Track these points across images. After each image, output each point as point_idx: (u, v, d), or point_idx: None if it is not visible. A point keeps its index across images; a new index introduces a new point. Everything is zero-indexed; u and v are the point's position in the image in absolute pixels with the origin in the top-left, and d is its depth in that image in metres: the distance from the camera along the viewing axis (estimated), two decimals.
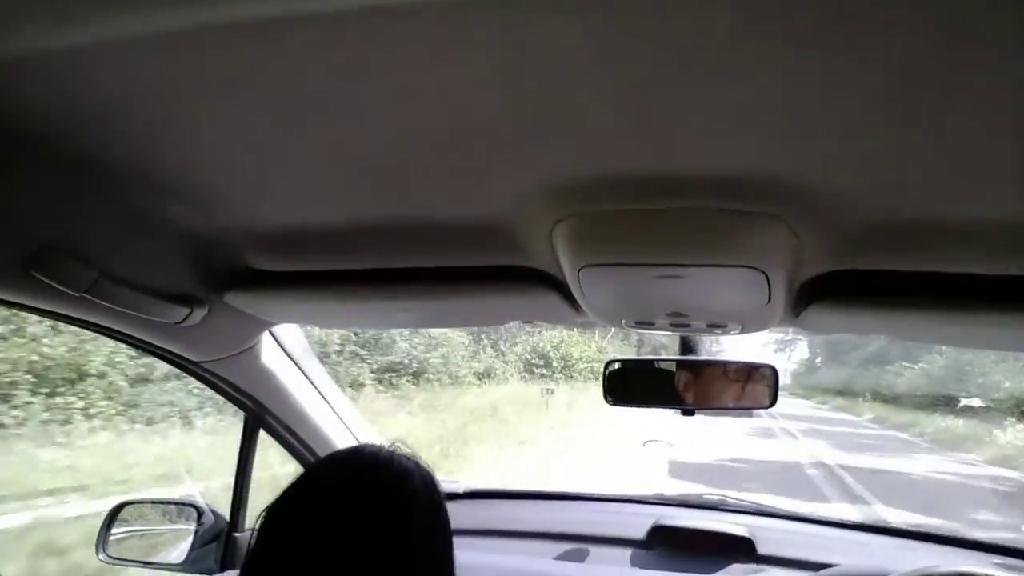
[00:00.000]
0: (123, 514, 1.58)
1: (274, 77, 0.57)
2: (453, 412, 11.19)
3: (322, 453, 1.56)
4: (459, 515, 0.78)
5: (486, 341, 15.41)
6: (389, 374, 11.81)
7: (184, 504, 1.63)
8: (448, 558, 0.76)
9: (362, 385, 10.78)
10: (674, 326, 1.13)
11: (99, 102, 0.64)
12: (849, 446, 12.60)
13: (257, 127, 0.68)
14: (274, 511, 0.74)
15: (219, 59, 0.55)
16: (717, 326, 1.10)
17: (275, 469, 1.77)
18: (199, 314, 1.10)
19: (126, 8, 0.48)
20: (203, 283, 1.09)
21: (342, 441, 1.62)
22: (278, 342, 1.44)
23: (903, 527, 1.89)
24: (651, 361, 1.37)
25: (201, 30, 0.51)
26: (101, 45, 0.52)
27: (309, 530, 0.70)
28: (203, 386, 1.42)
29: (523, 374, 16.46)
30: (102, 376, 6.13)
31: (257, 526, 0.74)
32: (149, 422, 6.42)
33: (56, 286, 0.86)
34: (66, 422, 5.75)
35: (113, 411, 6.17)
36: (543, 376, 16.53)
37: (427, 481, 0.77)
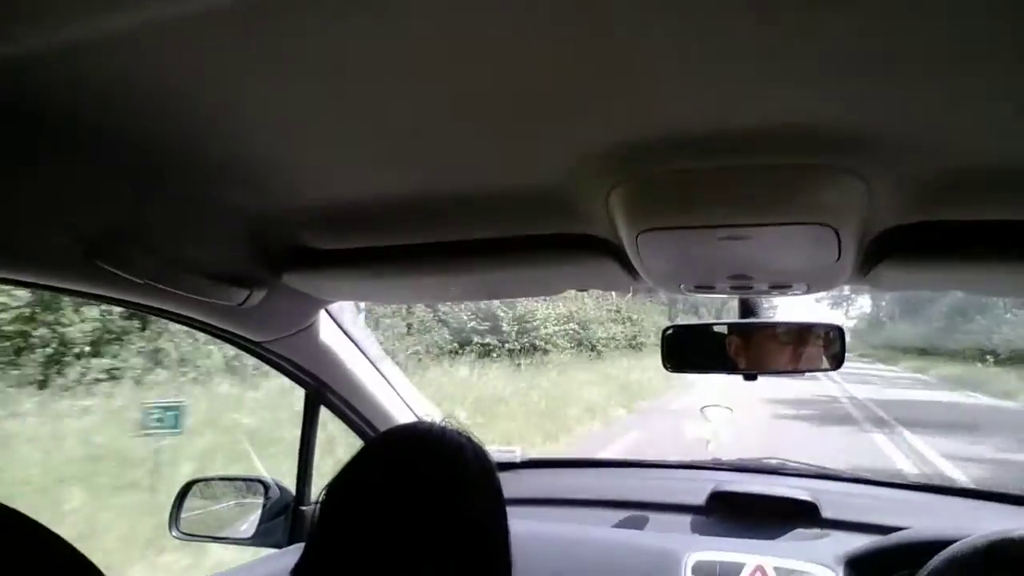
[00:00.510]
0: (193, 491, 1.64)
1: (322, 51, 0.57)
2: None
3: (381, 427, 1.59)
4: (517, 484, 0.79)
5: None
6: None
7: (251, 480, 1.67)
8: (502, 528, 0.77)
9: None
10: (735, 288, 1.10)
11: (153, 87, 0.64)
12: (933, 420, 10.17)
13: (307, 104, 0.67)
14: (334, 486, 0.76)
15: (267, 36, 0.55)
16: (781, 287, 1.07)
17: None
18: (258, 295, 1.12)
19: None
20: (261, 264, 1.10)
21: (400, 415, 1.64)
22: (335, 320, 1.46)
23: (972, 488, 1.83)
24: (709, 325, 1.34)
25: (248, 8, 0.50)
26: (152, 28, 0.52)
27: (367, 504, 0.72)
28: None
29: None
30: None
31: (319, 501, 0.76)
32: None
33: (120, 274, 0.88)
34: None
35: None
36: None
37: (479, 454, 0.78)
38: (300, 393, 1.56)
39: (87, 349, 6.72)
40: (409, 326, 12.32)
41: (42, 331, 6.46)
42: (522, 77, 0.60)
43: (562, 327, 16.03)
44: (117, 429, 5.68)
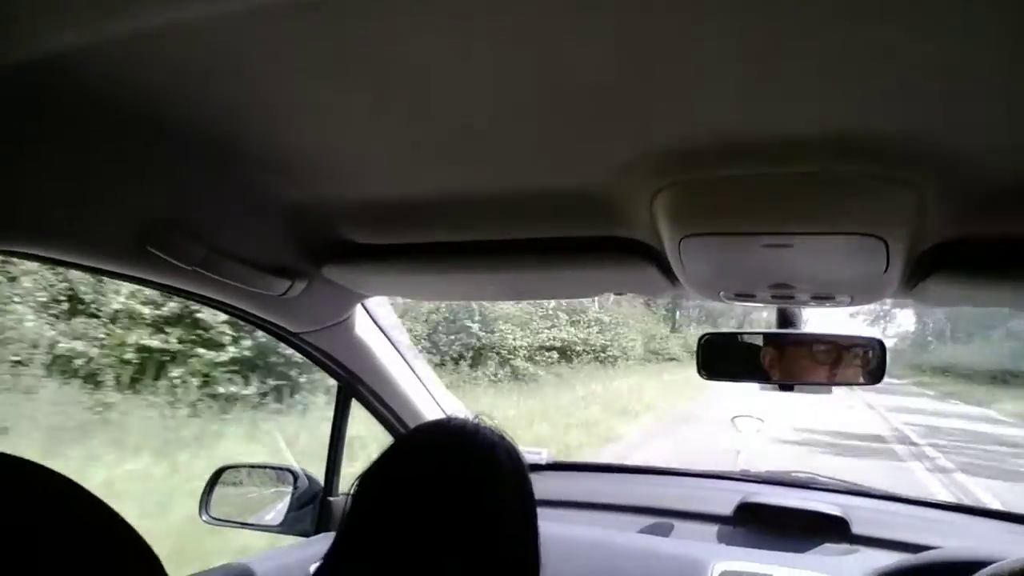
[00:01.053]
0: (224, 477, 1.66)
1: (369, 46, 0.57)
2: None
3: (410, 423, 1.60)
4: (542, 486, 0.79)
5: None
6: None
7: (281, 469, 1.69)
8: (533, 527, 0.77)
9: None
10: (777, 298, 1.09)
11: (207, 80, 0.65)
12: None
13: (355, 100, 0.68)
14: (367, 479, 0.76)
15: (317, 33, 0.55)
16: (824, 298, 1.05)
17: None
18: (299, 286, 1.13)
19: None
20: (303, 256, 1.12)
21: (429, 412, 1.65)
22: (370, 314, 1.48)
23: (1005, 510, 1.78)
24: (746, 334, 1.33)
25: (300, 5, 0.51)
26: (208, 22, 0.53)
27: (400, 498, 0.72)
28: None
29: None
30: None
31: (352, 492, 0.76)
32: None
33: (170, 260, 0.90)
34: None
35: None
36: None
37: (511, 453, 0.79)
38: None
39: None
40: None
41: None
42: (572, 79, 0.60)
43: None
44: None
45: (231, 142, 0.80)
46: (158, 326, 5.95)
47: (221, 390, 6.05)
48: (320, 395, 6.30)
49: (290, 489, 1.63)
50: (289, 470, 1.66)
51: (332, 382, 1.58)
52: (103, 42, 0.56)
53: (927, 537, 1.47)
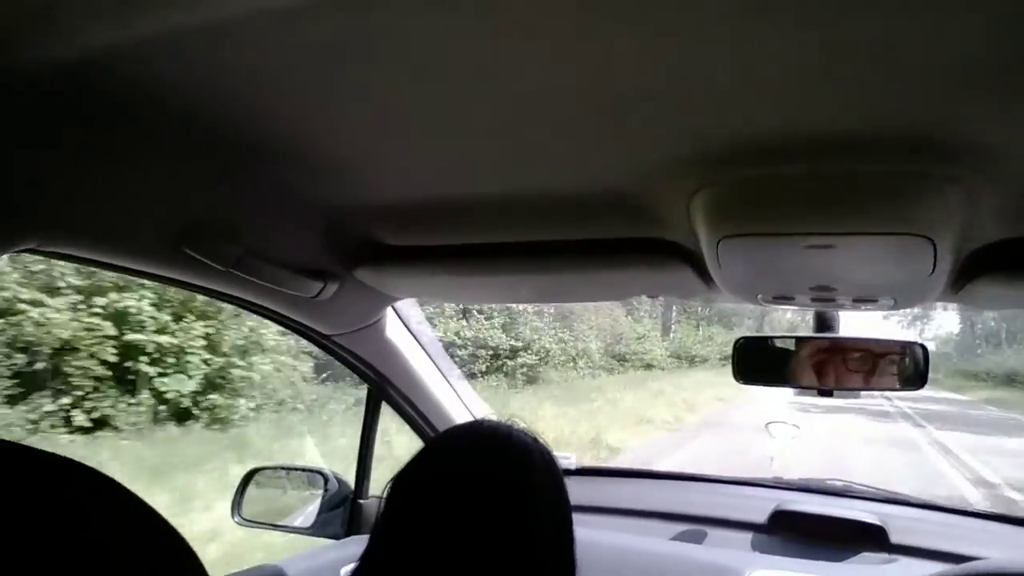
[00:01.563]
0: (255, 479, 1.67)
1: (405, 46, 0.57)
2: None
3: (440, 427, 1.60)
4: (572, 491, 0.78)
5: None
6: None
7: (311, 471, 1.70)
8: (569, 532, 0.76)
9: None
10: (816, 301, 1.06)
11: (244, 82, 0.66)
12: None
13: (389, 101, 0.68)
14: (400, 481, 0.76)
15: (351, 34, 0.55)
16: (866, 301, 1.03)
17: None
18: (331, 288, 1.14)
19: None
20: (335, 258, 1.12)
21: (459, 415, 1.64)
22: (400, 317, 1.48)
23: None
24: (783, 338, 1.30)
25: (335, 7, 0.51)
26: (241, 19, 0.53)
27: (434, 501, 0.71)
28: None
29: None
30: None
31: (384, 495, 0.76)
32: None
33: (205, 261, 0.91)
34: None
35: None
36: None
37: (545, 456, 0.78)
38: None
39: None
40: None
41: None
42: (606, 79, 0.59)
43: None
44: None
45: (266, 143, 0.80)
46: None
47: None
48: None
49: (320, 491, 1.64)
50: (320, 472, 1.67)
51: None
52: (140, 41, 0.56)
53: (968, 547, 1.43)
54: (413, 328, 1.52)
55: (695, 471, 2.02)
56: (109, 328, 5.52)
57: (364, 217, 1.06)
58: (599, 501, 1.75)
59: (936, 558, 1.43)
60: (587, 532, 1.46)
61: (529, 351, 13.37)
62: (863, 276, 0.96)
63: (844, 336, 1.23)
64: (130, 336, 5.69)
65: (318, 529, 1.61)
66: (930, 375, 1.20)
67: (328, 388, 7.54)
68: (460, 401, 1.68)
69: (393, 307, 1.44)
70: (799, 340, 1.26)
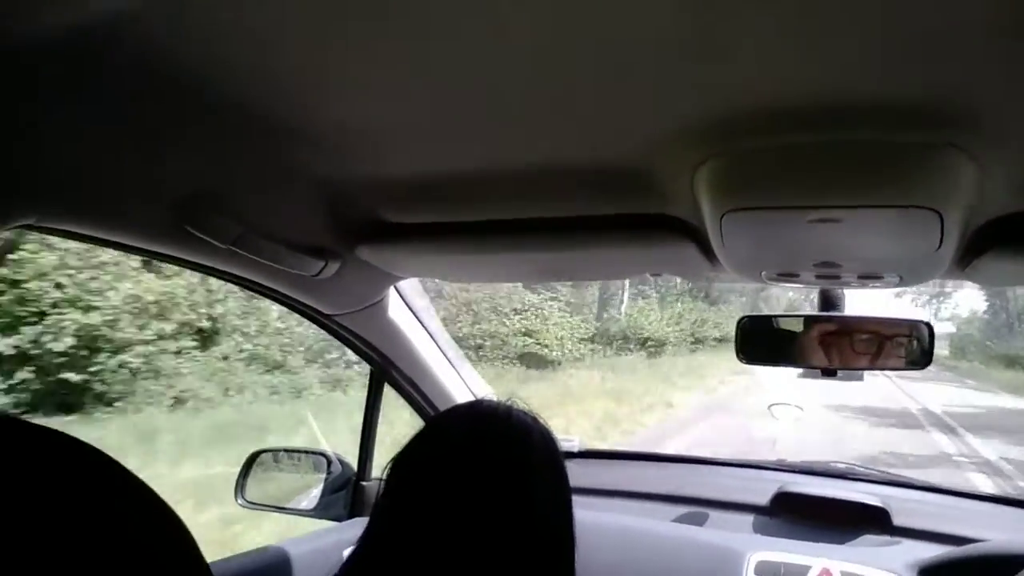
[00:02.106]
0: (259, 462, 1.68)
1: (406, 16, 0.56)
2: None
3: (442, 407, 1.59)
4: (574, 473, 0.78)
5: None
6: None
7: (315, 453, 1.71)
8: (568, 512, 0.76)
9: None
10: (821, 278, 1.05)
11: (243, 54, 0.65)
12: None
13: (390, 74, 0.67)
14: (400, 463, 0.76)
15: (350, 4, 0.54)
16: (871, 277, 1.02)
17: None
18: (333, 267, 1.13)
19: None
20: (337, 236, 1.12)
21: (460, 396, 1.64)
22: (403, 297, 1.47)
23: None
24: (787, 317, 1.30)
25: None
26: None
27: (433, 482, 0.71)
28: None
29: None
30: None
31: (384, 476, 0.76)
32: None
33: (205, 238, 0.90)
34: None
35: None
36: None
37: (546, 436, 0.77)
38: None
39: None
40: None
41: None
42: (608, 44, 0.58)
43: None
44: None
45: (266, 117, 0.79)
46: None
47: None
48: None
49: (324, 474, 1.65)
50: (323, 454, 1.68)
51: None
52: (138, 9, 0.56)
53: (970, 529, 1.43)
54: (415, 308, 1.52)
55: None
56: None
57: (366, 194, 1.05)
58: (601, 483, 1.75)
59: (939, 540, 1.42)
60: (589, 514, 1.47)
61: None
62: (868, 251, 0.95)
63: (848, 315, 1.22)
64: None
65: (321, 511, 1.62)
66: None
67: None
68: (462, 382, 1.68)
69: (396, 287, 1.44)
70: (803, 319, 1.25)
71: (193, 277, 7.33)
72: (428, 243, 1.12)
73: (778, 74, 0.62)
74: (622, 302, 19.77)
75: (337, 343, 1.54)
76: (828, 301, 1.22)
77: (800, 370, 1.33)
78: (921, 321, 1.18)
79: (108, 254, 6.46)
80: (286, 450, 1.80)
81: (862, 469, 1.83)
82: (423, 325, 1.55)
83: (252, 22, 0.59)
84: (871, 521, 1.51)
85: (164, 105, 0.74)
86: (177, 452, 6.01)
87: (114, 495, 0.42)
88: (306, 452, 1.76)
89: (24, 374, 6.40)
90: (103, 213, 0.86)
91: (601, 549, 1.37)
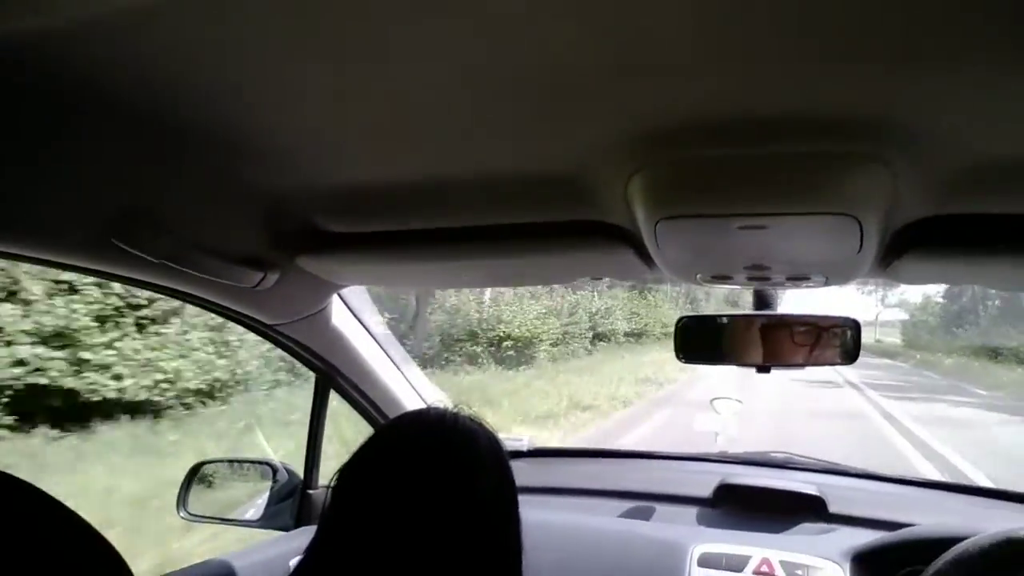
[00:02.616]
0: (201, 473, 1.64)
1: (339, 31, 0.56)
2: None
3: (391, 413, 1.59)
4: (523, 473, 0.79)
5: None
6: None
7: (259, 463, 1.68)
8: (514, 514, 0.77)
9: None
10: (752, 279, 1.09)
11: (172, 66, 0.63)
12: None
13: (324, 85, 0.67)
14: (347, 471, 0.75)
15: (284, 16, 0.54)
16: (799, 279, 1.06)
17: None
18: (272, 278, 1.11)
19: None
20: (276, 247, 1.10)
21: (409, 402, 1.64)
22: (346, 304, 1.46)
23: (980, 486, 1.82)
24: (724, 316, 1.33)
25: None
26: (172, 5, 0.52)
27: (380, 490, 0.72)
28: None
29: None
30: None
31: (332, 485, 0.75)
32: None
33: (136, 253, 0.88)
34: None
35: None
36: None
37: (492, 441, 0.78)
38: None
39: None
40: None
41: None
42: (542, 60, 0.59)
43: None
44: None
45: (197, 128, 0.77)
46: None
47: None
48: None
49: (269, 483, 1.62)
50: (268, 463, 1.65)
51: None
52: (68, 25, 0.54)
53: (903, 514, 1.49)
54: (360, 315, 1.50)
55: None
56: None
57: (304, 203, 1.04)
58: (551, 481, 1.77)
59: (872, 526, 1.48)
60: (537, 513, 1.49)
61: None
62: (794, 255, 0.98)
63: (782, 313, 1.27)
64: None
65: (267, 521, 1.59)
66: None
67: None
68: (410, 387, 1.67)
69: (339, 295, 1.42)
70: (739, 318, 1.29)
71: None
72: (369, 252, 1.11)
73: (702, 89, 0.63)
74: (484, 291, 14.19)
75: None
76: (762, 299, 1.26)
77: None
78: (849, 318, 1.23)
79: None
80: (230, 460, 1.77)
81: (800, 458, 1.89)
82: (368, 331, 1.53)
83: (183, 36, 0.57)
84: (808, 509, 1.56)
85: (90, 118, 0.72)
86: None
87: (43, 527, 0.42)
88: (251, 462, 1.73)
89: None
90: (28, 231, 0.82)
91: (549, 548, 1.39)
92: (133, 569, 0.48)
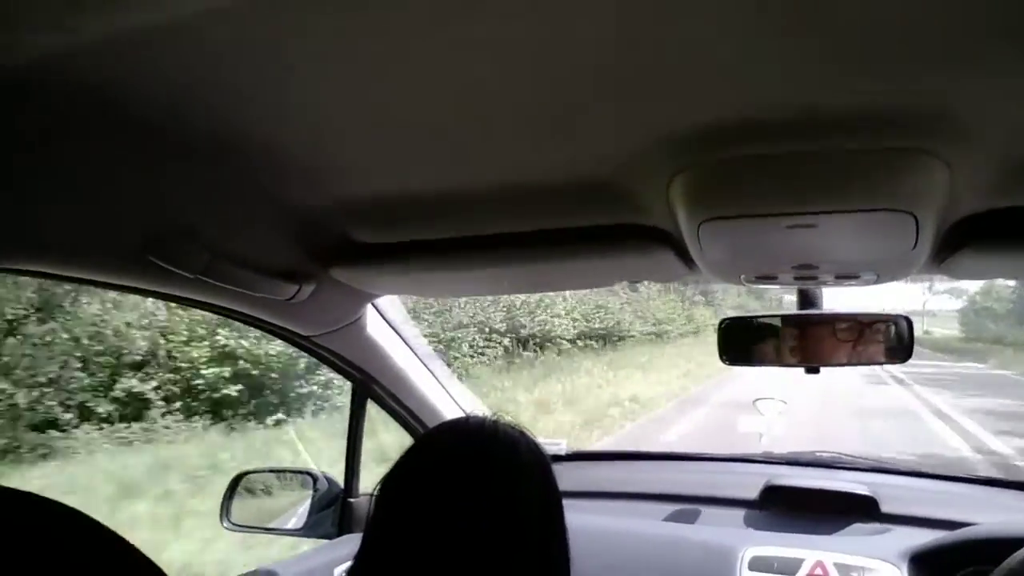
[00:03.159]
0: (243, 483, 1.65)
1: (369, 39, 0.55)
2: None
3: (429, 422, 1.58)
4: (562, 477, 0.77)
5: None
6: None
7: (300, 472, 1.68)
8: (560, 522, 0.76)
9: None
10: (799, 279, 1.05)
11: (207, 83, 0.63)
12: None
13: (356, 99, 0.66)
14: (391, 478, 0.75)
15: (312, 25, 0.53)
16: (848, 277, 1.02)
17: None
18: (307, 290, 1.11)
19: None
20: (310, 259, 1.10)
21: (446, 410, 1.63)
22: (381, 314, 1.45)
23: None
24: (768, 317, 1.29)
25: (297, 6, 0.49)
26: (199, 18, 0.51)
27: (424, 499, 0.71)
28: None
29: None
30: None
31: (376, 492, 0.75)
32: None
33: (172, 269, 0.88)
34: None
35: None
36: None
37: (533, 449, 0.77)
38: None
39: None
40: None
41: None
42: (578, 62, 0.58)
43: None
44: None
45: (231, 144, 0.77)
46: None
47: None
48: None
49: (310, 492, 1.62)
50: (308, 473, 1.65)
51: None
52: (98, 43, 0.54)
53: (959, 513, 1.44)
54: (395, 324, 1.50)
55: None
56: None
57: (337, 215, 1.03)
58: (591, 485, 1.75)
59: (928, 525, 1.43)
60: (580, 517, 1.46)
61: None
62: (845, 253, 0.95)
63: (828, 312, 1.22)
64: None
65: (310, 530, 1.59)
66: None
67: None
68: (448, 396, 1.66)
69: (374, 304, 1.42)
70: (783, 318, 1.25)
71: None
72: (403, 262, 1.11)
73: (748, 86, 0.61)
74: None
75: None
76: (806, 299, 1.22)
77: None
78: (901, 316, 1.18)
79: None
80: (271, 470, 1.78)
81: (848, 458, 1.84)
82: (403, 340, 1.53)
83: (216, 51, 0.57)
84: (859, 510, 1.52)
85: (124, 139, 0.72)
86: None
87: (93, 553, 0.42)
88: (291, 471, 1.73)
89: None
90: (65, 251, 0.84)
91: (595, 553, 1.37)
92: None
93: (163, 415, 6.85)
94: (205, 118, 0.71)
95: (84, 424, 6.36)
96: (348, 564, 0.75)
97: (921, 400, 11.42)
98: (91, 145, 0.72)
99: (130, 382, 6.80)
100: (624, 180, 0.83)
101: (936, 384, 13.09)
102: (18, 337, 6.09)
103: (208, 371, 7.35)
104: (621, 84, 0.61)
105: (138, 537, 0.44)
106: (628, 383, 12.44)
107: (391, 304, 1.49)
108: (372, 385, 1.53)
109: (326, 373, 7.34)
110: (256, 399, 7.57)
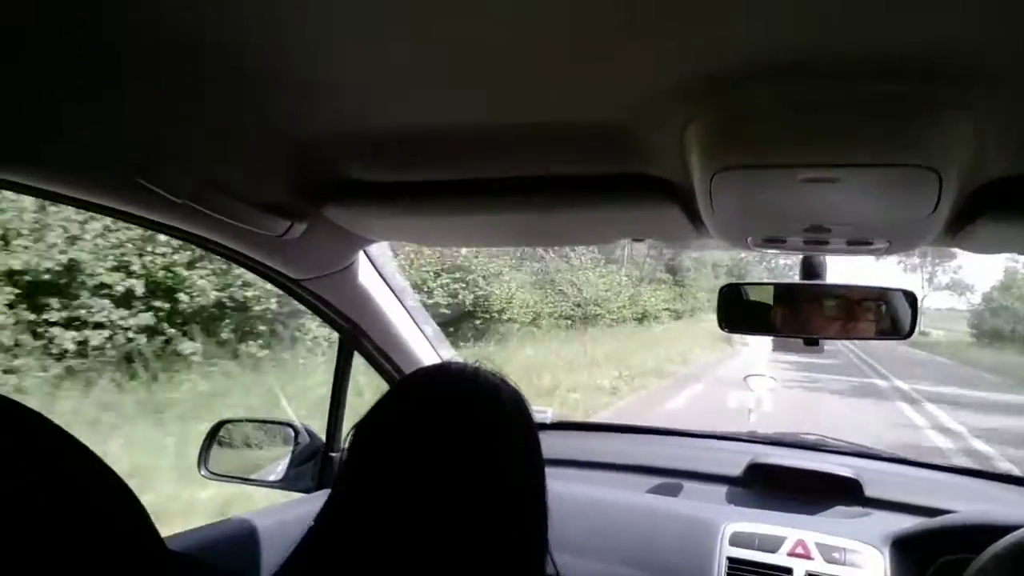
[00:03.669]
0: (223, 431, 1.62)
1: None
2: None
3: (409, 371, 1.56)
4: (547, 445, 0.75)
5: None
6: None
7: (281, 424, 1.66)
8: (540, 477, 0.73)
9: None
10: (809, 243, 1.03)
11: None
12: None
13: (357, 20, 0.62)
14: (362, 428, 0.72)
15: None
16: (860, 243, 0.99)
17: None
18: (299, 228, 1.08)
19: None
20: (303, 195, 1.06)
21: (428, 360, 1.61)
22: (372, 262, 1.42)
23: (1018, 475, 1.75)
24: (769, 285, 1.27)
25: None
26: None
27: (398, 446, 0.68)
28: None
29: None
30: None
31: (346, 444, 0.72)
32: None
33: (160, 192, 0.85)
34: None
35: None
36: None
37: (515, 396, 0.74)
38: None
39: None
40: None
41: None
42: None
43: None
44: None
45: (229, 62, 0.72)
46: None
47: None
48: None
49: (291, 445, 1.60)
50: (290, 425, 1.63)
51: None
52: None
53: (942, 500, 1.45)
54: (385, 273, 1.47)
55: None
56: None
57: (335, 149, 0.99)
58: (575, 454, 1.74)
59: (910, 511, 1.44)
60: (562, 484, 1.44)
61: None
62: (861, 214, 0.92)
63: (830, 283, 1.20)
64: None
65: (289, 483, 1.57)
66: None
67: None
68: (429, 345, 1.64)
69: (366, 252, 1.38)
70: (785, 287, 1.23)
71: None
72: (400, 203, 1.07)
73: (772, 26, 0.58)
74: None
75: None
76: (810, 269, 1.20)
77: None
78: (906, 290, 1.16)
79: None
80: (252, 421, 1.75)
81: (833, 441, 1.84)
82: (394, 292, 1.50)
83: None
84: (843, 492, 1.52)
85: (117, 57, 0.68)
86: None
87: (60, 464, 0.40)
88: (272, 422, 1.71)
89: None
90: (55, 166, 0.82)
91: (575, 519, 1.36)
92: None
93: None
94: (204, 34, 0.66)
95: None
96: None
97: (938, 430, 8.57)
98: (83, 62, 0.68)
99: None
100: (637, 126, 0.80)
101: (955, 404, 10.25)
102: None
103: None
104: (635, 27, 0.58)
105: None
106: None
107: (383, 254, 1.45)
108: (359, 336, 1.50)
109: None
110: None
